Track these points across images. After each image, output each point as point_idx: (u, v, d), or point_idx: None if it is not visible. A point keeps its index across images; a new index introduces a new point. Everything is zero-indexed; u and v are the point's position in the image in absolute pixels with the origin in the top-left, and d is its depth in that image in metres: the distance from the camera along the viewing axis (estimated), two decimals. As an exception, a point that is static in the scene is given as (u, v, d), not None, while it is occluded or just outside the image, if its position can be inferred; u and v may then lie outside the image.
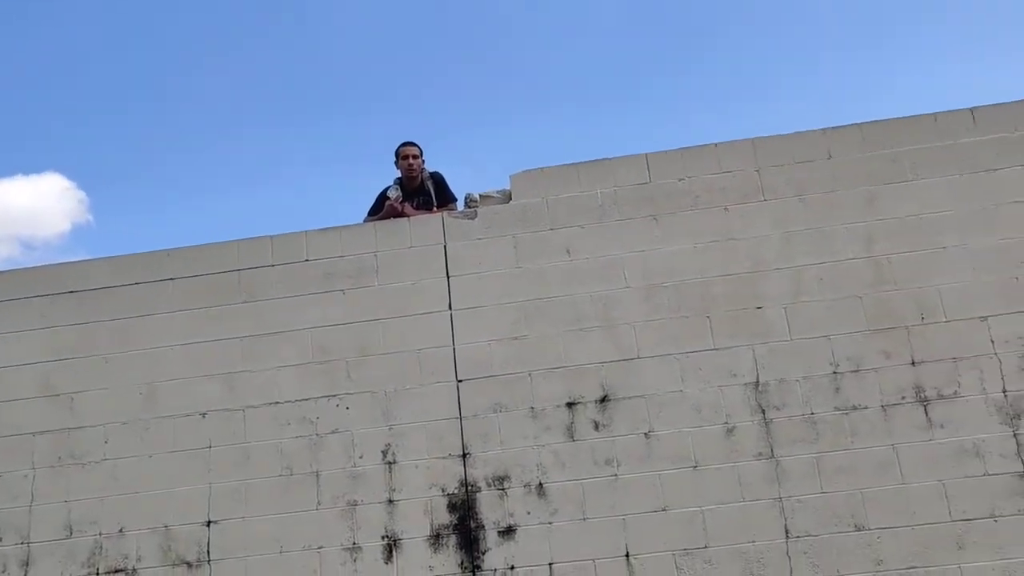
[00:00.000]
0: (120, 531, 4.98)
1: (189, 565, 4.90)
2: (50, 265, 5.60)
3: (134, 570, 4.92)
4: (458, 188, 5.79)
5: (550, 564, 4.73)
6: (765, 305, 5.00)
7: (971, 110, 5.21)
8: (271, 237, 5.43)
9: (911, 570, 4.54)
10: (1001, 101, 5.19)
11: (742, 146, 5.28)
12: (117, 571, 4.92)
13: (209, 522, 4.95)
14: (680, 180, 5.26)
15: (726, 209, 5.18)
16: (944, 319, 4.88)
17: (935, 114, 5.22)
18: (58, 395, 5.23)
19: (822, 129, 5.26)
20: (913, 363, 4.83)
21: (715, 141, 5.30)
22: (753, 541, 4.66)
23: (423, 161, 5.80)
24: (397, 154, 5.80)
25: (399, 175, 5.83)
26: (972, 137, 5.14)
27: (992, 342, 4.82)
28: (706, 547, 4.67)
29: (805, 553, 4.62)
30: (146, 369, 5.23)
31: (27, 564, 4.96)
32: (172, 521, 4.97)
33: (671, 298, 5.06)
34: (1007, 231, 4.98)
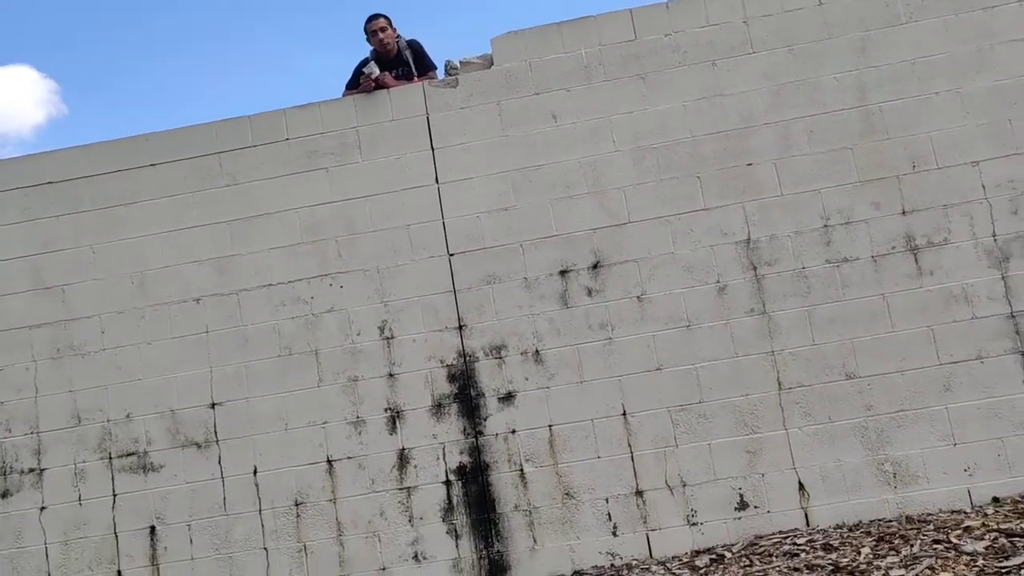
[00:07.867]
0: (127, 416, 5.08)
1: (198, 446, 5.02)
2: (26, 156, 5.46)
3: (145, 452, 5.04)
4: (437, 56, 5.61)
5: (549, 426, 4.87)
6: (755, 162, 4.94)
7: (968, -55, 4.99)
8: (249, 117, 5.28)
9: (899, 413, 4.69)
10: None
11: (730, -4, 5.08)
12: (129, 454, 5.05)
13: (213, 404, 5.04)
14: (667, 36, 5.09)
15: (714, 64, 5.04)
16: (936, 166, 4.84)
17: (930, -49, 5.01)
18: (49, 288, 5.21)
19: (813, -26, 5.06)
20: (904, 212, 4.83)
21: (701, -8, 5.10)
22: (746, 394, 4.78)
23: (395, 31, 5.56)
24: (366, 31, 5.56)
25: (373, 48, 5.61)
26: (968, -26, 4.96)
27: (983, 187, 4.80)
28: (700, 402, 4.79)
29: (797, 403, 4.75)
30: (135, 258, 5.20)
31: (39, 452, 5.08)
32: (177, 405, 5.06)
33: (660, 160, 4.99)
34: (1002, 72, 4.87)
